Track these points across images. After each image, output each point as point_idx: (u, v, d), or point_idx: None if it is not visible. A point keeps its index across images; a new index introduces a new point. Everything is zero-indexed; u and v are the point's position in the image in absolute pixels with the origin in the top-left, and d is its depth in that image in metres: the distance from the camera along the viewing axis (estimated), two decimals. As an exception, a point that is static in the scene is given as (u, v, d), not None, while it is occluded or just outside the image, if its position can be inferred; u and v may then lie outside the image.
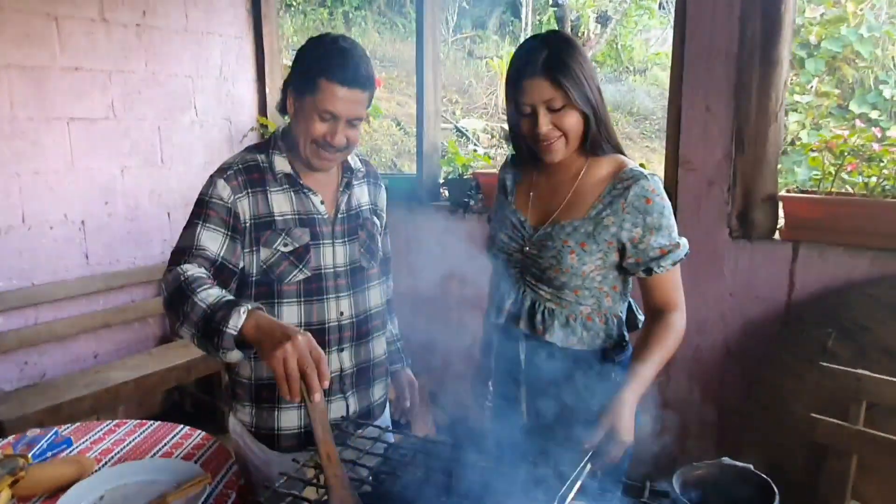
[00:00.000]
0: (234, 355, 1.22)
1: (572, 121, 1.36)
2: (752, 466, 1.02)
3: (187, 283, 1.29)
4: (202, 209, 1.44)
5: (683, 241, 1.41)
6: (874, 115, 4.41)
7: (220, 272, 1.41)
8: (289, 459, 1.50)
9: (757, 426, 2.39)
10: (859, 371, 1.90)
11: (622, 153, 1.46)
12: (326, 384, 1.12)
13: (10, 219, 3.05)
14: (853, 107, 4.52)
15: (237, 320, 1.18)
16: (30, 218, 3.11)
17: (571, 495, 1.09)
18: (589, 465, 1.14)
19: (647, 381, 1.30)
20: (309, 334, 1.13)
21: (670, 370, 2.72)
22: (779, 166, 3.60)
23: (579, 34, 7.88)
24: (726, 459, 1.04)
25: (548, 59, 1.33)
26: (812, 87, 4.76)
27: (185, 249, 1.39)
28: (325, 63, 1.40)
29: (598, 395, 1.34)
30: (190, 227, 1.43)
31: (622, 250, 1.40)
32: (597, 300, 1.45)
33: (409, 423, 3.07)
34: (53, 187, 3.18)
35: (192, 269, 1.34)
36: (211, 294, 1.26)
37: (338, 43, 1.43)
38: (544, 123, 1.35)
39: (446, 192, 3.54)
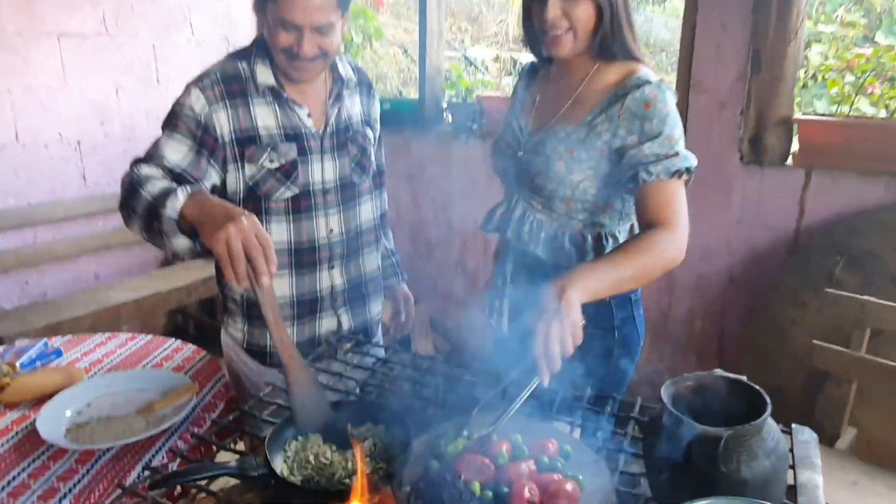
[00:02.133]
0: (180, 242, 1.17)
1: (583, 11, 1.25)
2: (745, 378, 0.98)
3: (139, 180, 1.25)
4: (172, 118, 1.38)
5: (688, 154, 1.27)
6: (901, 47, 4.19)
7: (178, 182, 1.33)
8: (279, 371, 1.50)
9: (756, 353, 2.37)
10: (864, 297, 1.86)
11: (639, 61, 1.33)
12: (274, 269, 1.05)
13: (4, 136, 2.99)
14: (879, 37, 4.31)
15: (175, 202, 1.14)
16: (24, 136, 3.05)
17: (511, 412, 1.04)
18: (537, 379, 1.04)
19: (601, 274, 1.12)
20: (254, 216, 1.07)
21: (672, 297, 2.68)
22: (797, 100, 3.46)
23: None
24: (718, 371, 1.00)
25: None
26: (838, 16, 4.53)
27: (146, 156, 1.35)
28: None
29: (585, 315, 1.12)
30: (160, 136, 1.38)
31: (616, 161, 1.30)
32: (590, 216, 1.37)
33: (406, 341, 3.09)
34: (46, 105, 3.10)
35: (148, 170, 1.29)
36: (158, 186, 1.22)
37: None
38: (553, 8, 1.25)
39: (449, 117, 3.44)
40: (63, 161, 3.20)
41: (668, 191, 1.24)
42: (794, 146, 2.38)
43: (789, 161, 2.36)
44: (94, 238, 3.31)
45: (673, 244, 1.20)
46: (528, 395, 1.06)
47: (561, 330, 1.02)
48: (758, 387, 0.94)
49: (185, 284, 3.29)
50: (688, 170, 1.25)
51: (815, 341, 1.92)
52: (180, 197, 1.15)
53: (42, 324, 2.75)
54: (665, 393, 0.96)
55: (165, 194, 1.17)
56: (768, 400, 0.91)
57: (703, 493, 0.85)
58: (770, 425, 0.91)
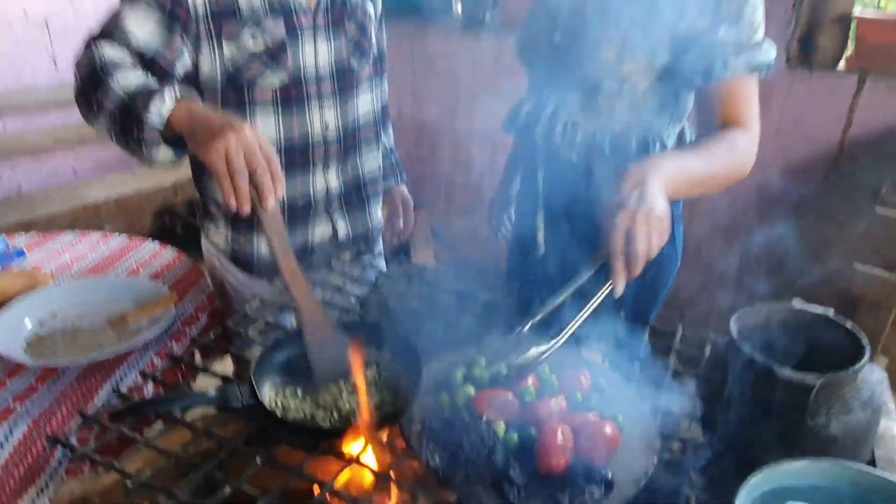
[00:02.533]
0: (162, 153, 1.00)
1: None
2: (832, 312, 0.81)
3: (104, 65, 1.02)
4: None
5: (770, 46, 1.05)
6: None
7: (150, 68, 1.11)
8: (268, 282, 1.32)
9: (782, 276, 2.21)
10: (921, 219, 1.68)
11: None
12: (281, 190, 0.90)
13: (-39, 11, 2.68)
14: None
15: (161, 105, 0.94)
16: (-16, 12, 2.74)
17: (569, 332, 0.86)
18: (606, 289, 0.86)
19: (684, 167, 0.96)
20: (257, 128, 0.91)
21: (691, 215, 2.50)
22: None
23: None
24: (797, 302, 0.84)
25: None
26: None
27: (104, 33, 1.10)
28: None
29: None
30: (119, 6, 1.12)
31: (679, 48, 1.08)
32: (636, 115, 1.16)
33: (405, 250, 2.92)
34: (8, -24, 2.77)
35: (113, 52, 1.06)
36: (132, 80, 1.00)
37: None
38: None
39: (459, 7, 3.12)
40: (31, 43, 2.90)
41: (744, 89, 1.05)
42: (848, 50, 2.12)
43: (841, 65, 2.11)
44: (69, 130, 3.05)
45: (750, 149, 1.04)
46: (597, 305, 0.87)
47: (647, 224, 0.84)
48: (851, 324, 0.78)
49: (171, 183, 3.09)
50: (768, 66, 1.04)
51: (856, 264, 1.76)
52: (167, 100, 0.95)
53: (14, 220, 2.57)
54: (734, 327, 0.79)
55: (146, 94, 0.96)
56: (866, 342, 0.75)
57: (783, 450, 0.70)
58: (866, 371, 0.75)
